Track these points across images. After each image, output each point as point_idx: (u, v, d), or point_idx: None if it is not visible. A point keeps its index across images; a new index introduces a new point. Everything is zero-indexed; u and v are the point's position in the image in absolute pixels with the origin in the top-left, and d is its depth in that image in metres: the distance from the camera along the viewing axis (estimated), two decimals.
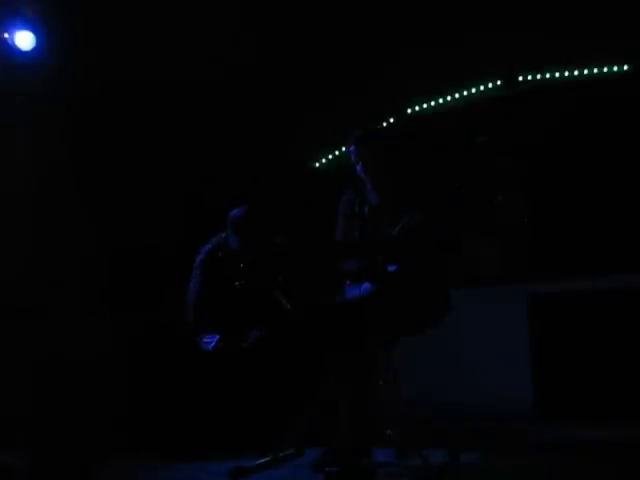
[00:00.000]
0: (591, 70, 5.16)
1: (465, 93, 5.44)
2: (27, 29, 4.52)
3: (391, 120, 5.48)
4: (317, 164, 5.88)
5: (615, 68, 5.12)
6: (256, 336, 3.83)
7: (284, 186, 5.47)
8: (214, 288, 3.96)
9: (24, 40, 4.52)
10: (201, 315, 3.98)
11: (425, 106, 5.54)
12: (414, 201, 3.33)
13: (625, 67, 5.11)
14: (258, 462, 3.32)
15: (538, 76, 5.27)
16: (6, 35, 4.50)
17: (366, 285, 3.33)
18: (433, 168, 4.11)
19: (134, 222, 5.03)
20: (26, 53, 4.54)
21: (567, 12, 4.79)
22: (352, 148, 3.49)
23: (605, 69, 5.13)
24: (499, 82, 5.34)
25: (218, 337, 3.90)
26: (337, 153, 5.80)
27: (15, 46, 4.51)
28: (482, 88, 5.40)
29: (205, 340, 3.93)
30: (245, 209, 3.98)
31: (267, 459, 3.35)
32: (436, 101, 5.52)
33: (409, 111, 5.52)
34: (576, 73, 5.20)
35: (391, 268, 3.27)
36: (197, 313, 3.99)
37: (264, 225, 3.93)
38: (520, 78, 5.30)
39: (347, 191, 3.57)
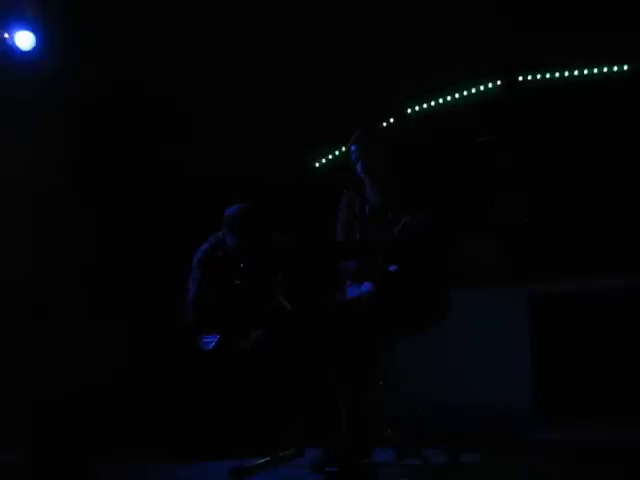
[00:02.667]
0: (591, 70, 5.17)
1: (465, 93, 5.45)
2: (27, 29, 4.52)
3: (391, 120, 5.48)
4: (317, 164, 5.88)
5: (615, 68, 5.12)
6: (257, 337, 3.83)
7: (284, 186, 5.47)
8: (213, 288, 3.96)
9: (24, 40, 4.52)
10: (200, 315, 3.99)
11: (425, 106, 5.54)
12: (414, 201, 3.33)
13: (625, 67, 5.11)
14: (258, 462, 3.32)
15: (538, 76, 5.27)
16: (6, 35, 4.50)
17: (366, 285, 3.33)
18: (433, 168, 4.11)
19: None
20: (26, 53, 4.54)
21: (567, 12, 4.79)
22: (352, 147, 3.49)
23: (605, 69, 5.13)
24: (499, 82, 5.35)
25: (218, 337, 3.90)
26: (337, 153, 5.80)
27: (15, 46, 4.51)
28: (482, 88, 5.40)
29: (205, 340, 3.94)
30: (241, 207, 3.97)
31: (267, 459, 3.35)
32: (436, 101, 5.52)
33: (409, 111, 5.52)
34: (576, 73, 5.20)
35: (391, 268, 3.27)
36: (196, 313, 3.99)
37: (261, 223, 3.91)
38: (520, 78, 5.31)
39: (348, 191, 3.57)
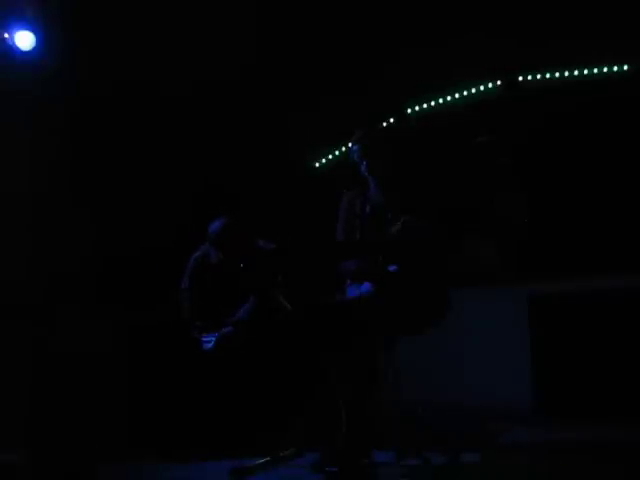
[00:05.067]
0: (591, 70, 5.17)
1: (465, 93, 5.45)
2: (27, 29, 4.52)
3: (391, 120, 5.48)
4: (317, 164, 5.88)
5: (615, 68, 5.12)
6: (224, 334, 3.92)
7: (284, 186, 5.47)
8: (203, 292, 4.13)
9: (24, 40, 4.52)
10: (194, 316, 4.06)
11: (425, 106, 5.54)
12: (414, 201, 3.33)
13: (625, 67, 5.11)
14: (258, 462, 3.32)
15: (538, 76, 5.27)
16: (6, 35, 4.50)
17: (366, 285, 3.33)
18: (433, 168, 4.11)
19: None
20: (26, 53, 4.54)
21: (567, 12, 4.79)
22: (355, 147, 3.48)
23: (605, 69, 5.13)
24: (499, 82, 5.35)
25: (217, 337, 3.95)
26: (337, 153, 5.80)
27: (15, 46, 4.51)
28: (482, 88, 5.40)
29: (204, 340, 3.95)
30: (222, 224, 4.03)
31: (267, 459, 3.35)
32: (436, 101, 5.52)
33: (409, 111, 5.53)
34: (576, 73, 5.20)
35: (391, 268, 3.27)
36: (191, 313, 4.13)
37: (242, 237, 3.97)
38: (520, 78, 5.31)
39: (348, 191, 3.57)
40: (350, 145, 3.53)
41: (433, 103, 5.53)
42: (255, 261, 3.40)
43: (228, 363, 3.84)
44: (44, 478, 3.61)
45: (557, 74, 5.24)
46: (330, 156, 5.83)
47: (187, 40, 4.81)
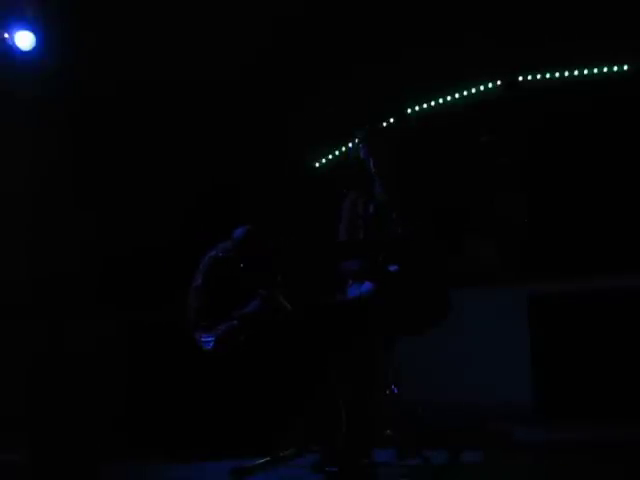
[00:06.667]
0: (591, 70, 5.17)
1: (465, 93, 5.45)
2: (27, 29, 4.52)
3: (391, 120, 5.47)
4: (317, 164, 5.88)
5: (615, 68, 5.13)
6: (225, 329, 3.87)
7: (284, 186, 5.47)
8: (216, 292, 4.01)
9: (24, 40, 4.52)
10: (201, 315, 4.03)
11: (425, 106, 5.54)
12: (417, 200, 3.33)
13: (625, 67, 5.11)
14: (258, 462, 3.32)
15: (538, 76, 5.28)
16: (6, 35, 4.50)
17: (366, 285, 3.33)
18: (435, 167, 4.11)
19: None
20: (26, 53, 4.54)
21: (567, 13, 4.79)
22: (360, 145, 3.46)
23: (605, 69, 5.14)
24: (499, 82, 5.35)
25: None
26: (337, 153, 5.80)
27: (15, 46, 4.52)
28: (482, 88, 5.40)
29: (205, 340, 3.94)
30: (247, 230, 4.01)
31: (267, 459, 3.35)
32: (436, 101, 5.52)
33: (409, 111, 5.53)
34: (576, 73, 5.21)
35: (392, 268, 3.27)
36: (198, 313, 4.04)
37: (266, 244, 3.94)
38: (520, 78, 5.31)
39: (351, 191, 3.56)
40: (354, 143, 3.52)
41: (433, 103, 5.53)
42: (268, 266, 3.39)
43: (228, 362, 3.84)
44: (44, 478, 3.62)
45: (557, 74, 5.24)
46: (330, 156, 5.83)
47: (187, 40, 4.81)
